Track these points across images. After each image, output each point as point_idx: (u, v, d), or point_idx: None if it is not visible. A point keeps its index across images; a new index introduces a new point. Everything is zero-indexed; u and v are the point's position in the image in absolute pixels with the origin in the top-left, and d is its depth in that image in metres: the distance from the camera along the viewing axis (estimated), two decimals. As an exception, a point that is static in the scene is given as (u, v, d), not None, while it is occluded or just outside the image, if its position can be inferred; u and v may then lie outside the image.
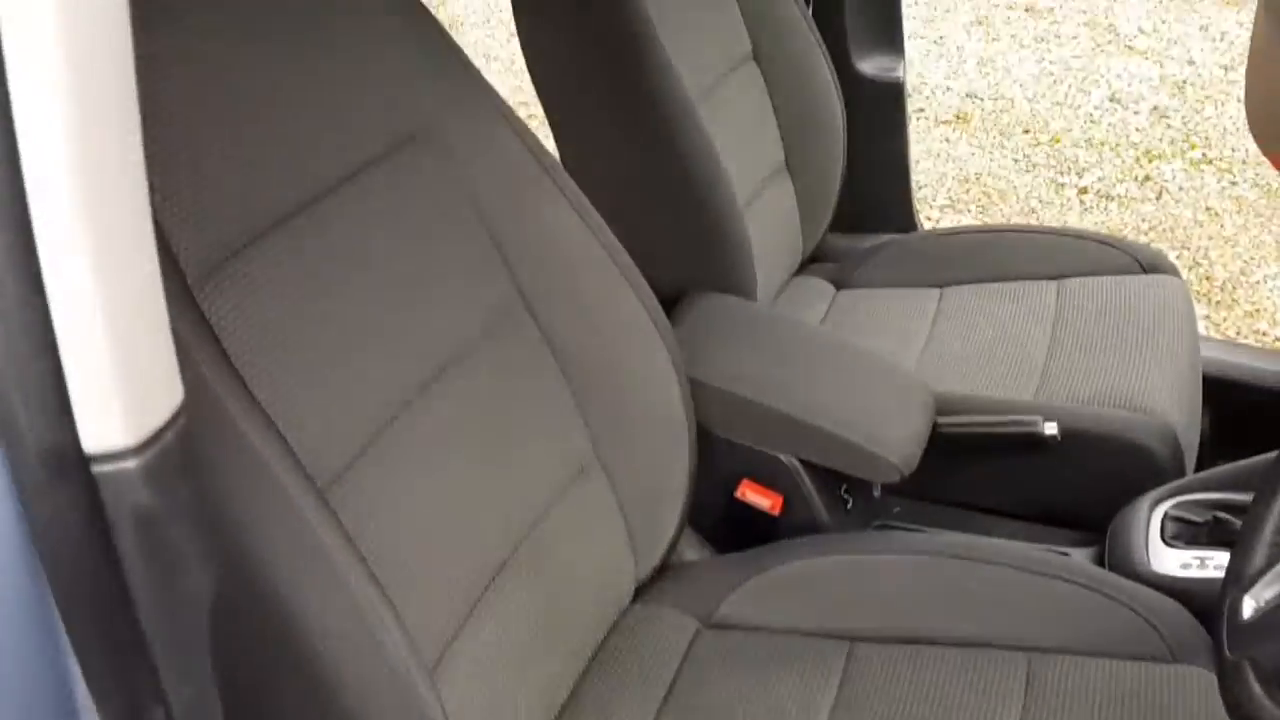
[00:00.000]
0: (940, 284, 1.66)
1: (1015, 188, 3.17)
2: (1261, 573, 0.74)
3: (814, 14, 1.68)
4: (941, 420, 1.29)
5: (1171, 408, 1.31)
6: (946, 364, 1.46)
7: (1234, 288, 2.74)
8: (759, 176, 1.57)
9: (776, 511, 1.21)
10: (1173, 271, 1.59)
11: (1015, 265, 1.64)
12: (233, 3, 0.80)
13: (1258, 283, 2.77)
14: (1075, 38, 4.11)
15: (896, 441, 1.19)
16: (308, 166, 0.83)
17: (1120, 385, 1.34)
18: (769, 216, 1.58)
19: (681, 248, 1.39)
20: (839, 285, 1.71)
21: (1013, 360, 1.44)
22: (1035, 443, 1.26)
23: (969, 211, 3.05)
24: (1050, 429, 1.25)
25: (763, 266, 1.50)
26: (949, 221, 2.98)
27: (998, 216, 3.03)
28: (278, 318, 0.78)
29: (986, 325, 1.53)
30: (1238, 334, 2.58)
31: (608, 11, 1.31)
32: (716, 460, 1.21)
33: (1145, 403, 1.30)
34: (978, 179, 3.21)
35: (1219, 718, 0.94)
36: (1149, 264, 1.59)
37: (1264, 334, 2.59)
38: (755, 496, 1.21)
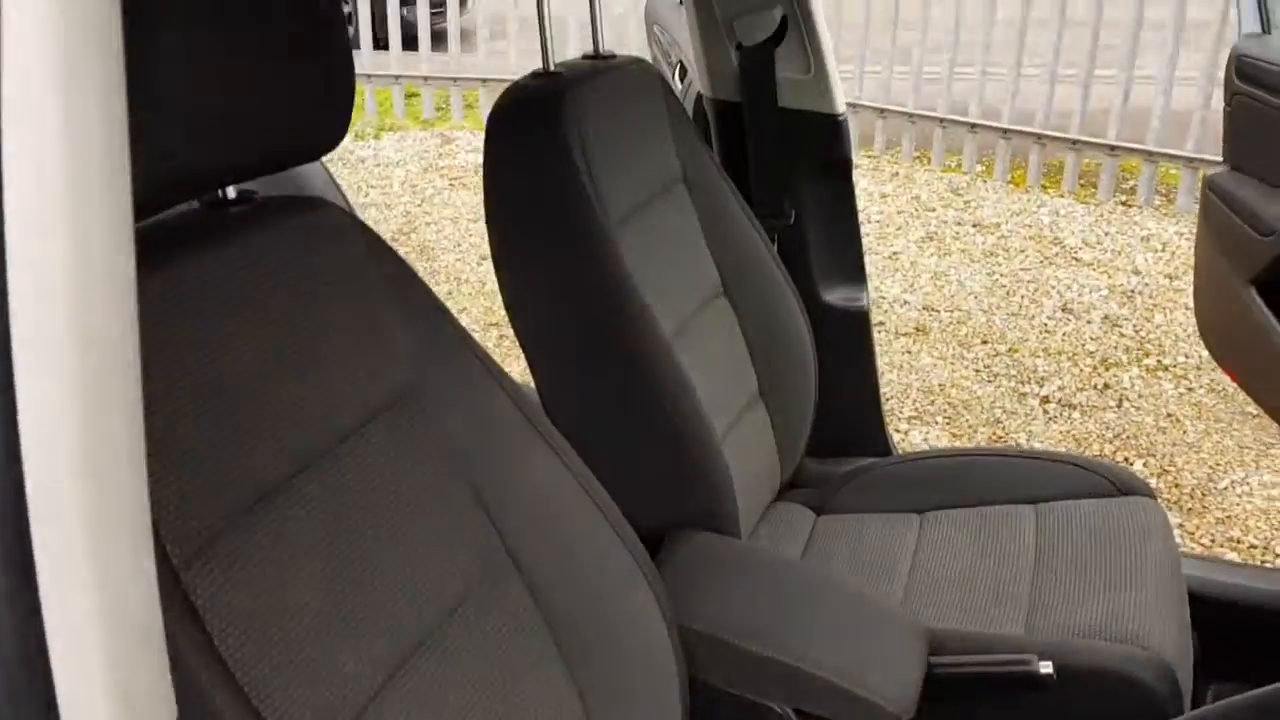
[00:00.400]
0: (920, 509, 1.66)
1: (979, 398, 3.23)
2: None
3: (779, 249, 1.74)
4: (934, 660, 1.26)
5: (1164, 639, 1.29)
6: (934, 596, 1.44)
7: (1203, 494, 2.77)
8: (735, 407, 1.59)
9: (774, 766, 1.16)
10: (1147, 493, 1.61)
11: (992, 490, 1.65)
12: (222, 281, 0.81)
13: (1225, 489, 2.81)
14: (1023, 251, 4.29)
15: (894, 688, 1.16)
16: (294, 437, 0.83)
17: (1110, 617, 1.32)
18: (747, 446, 1.59)
19: (662, 486, 1.39)
20: (819, 511, 1.71)
21: (999, 591, 1.43)
22: (1030, 682, 1.23)
23: (935, 423, 3.10)
24: (1045, 668, 1.23)
25: (743, 496, 1.49)
26: (917, 433, 3.02)
27: (964, 427, 3.07)
28: (263, 595, 0.76)
29: (969, 554, 1.53)
30: (1212, 542, 2.58)
31: (582, 253, 1.35)
32: (709, 712, 1.17)
33: (1137, 635, 1.29)
34: (941, 390, 3.27)
35: None
36: (1124, 486, 1.60)
37: (1238, 541, 2.60)
38: (753, 750, 1.17)
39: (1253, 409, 3.14)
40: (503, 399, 1.04)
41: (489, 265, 1.42)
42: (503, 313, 1.43)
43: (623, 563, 1.09)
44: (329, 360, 0.88)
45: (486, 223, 1.37)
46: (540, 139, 1.32)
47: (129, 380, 0.45)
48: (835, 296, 1.85)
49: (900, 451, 1.97)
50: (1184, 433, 3.06)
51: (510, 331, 1.44)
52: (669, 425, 1.37)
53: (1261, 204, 2.12)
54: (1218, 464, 2.91)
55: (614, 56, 1.52)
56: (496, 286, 1.42)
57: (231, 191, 0.87)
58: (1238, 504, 2.74)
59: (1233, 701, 1.20)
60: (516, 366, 3.03)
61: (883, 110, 5.36)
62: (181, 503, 0.72)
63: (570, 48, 5.74)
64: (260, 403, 0.81)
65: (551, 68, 1.41)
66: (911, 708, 1.16)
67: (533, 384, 1.45)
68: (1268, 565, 2.48)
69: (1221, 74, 3.96)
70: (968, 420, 3.11)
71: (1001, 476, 1.68)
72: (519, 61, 5.91)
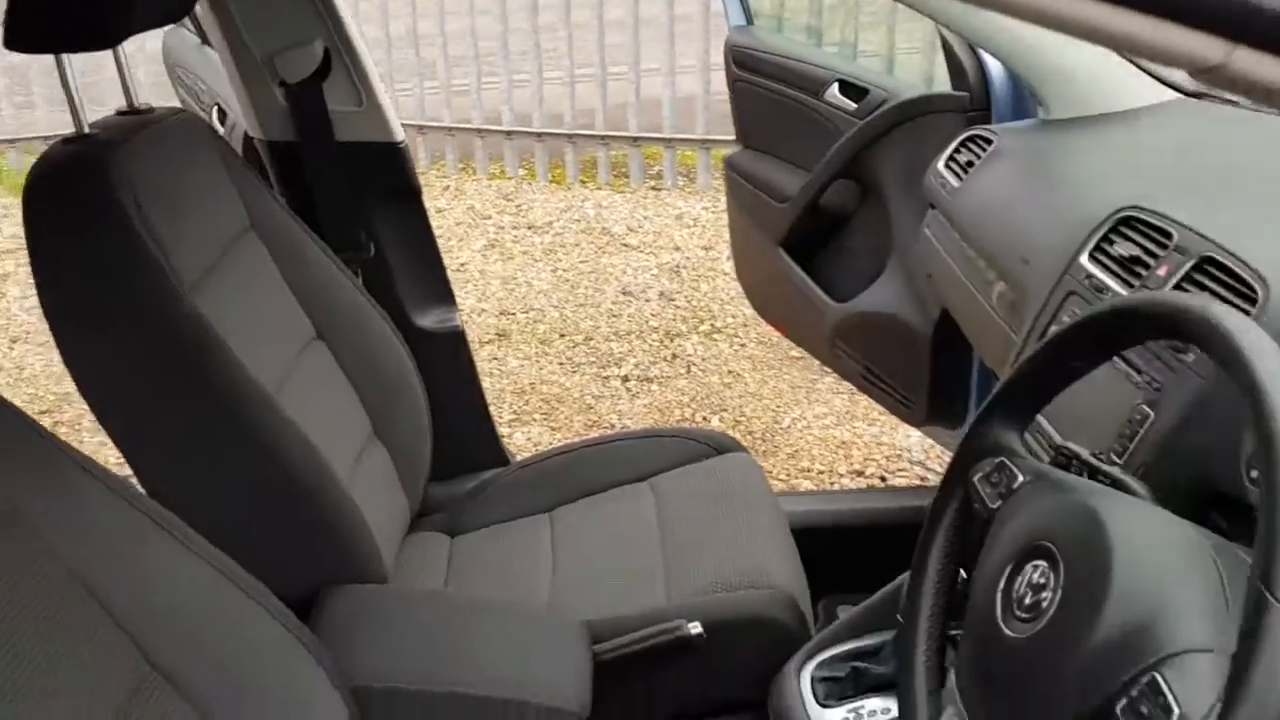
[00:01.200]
0: (548, 508, 1.72)
1: (568, 389, 3.38)
2: (932, 724, 0.83)
3: (364, 283, 1.72)
4: (597, 649, 1.32)
5: (783, 575, 1.45)
6: (579, 589, 1.50)
7: (772, 436, 3.10)
8: (353, 451, 1.55)
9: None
10: (739, 448, 1.78)
11: (608, 474, 1.75)
12: None
13: (788, 427, 3.16)
14: (578, 245, 4.53)
15: (568, 687, 1.21)
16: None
17: (736, 567, 1.45)
18: (372, 487, 1.56)
19: (298, 546, 1.33)
20: (453, 533, 1.72)
21: (636, 568, 1.52)
22: (685, 644, 1.33)
23: (534, 420, 3.20)
24: (695, 629, 1.33)
25: (380, 538, 1.47)
26: (521, 434, 3.10)
27: (561, 420, 3.20)
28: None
29: (601, 540, 1.61)
30: (788, 476, 2.90)
31: (161, 322, 1.25)
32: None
33: (762, 578, 1.43)
34: (533, 388, 3.38)
35: None
36: (719, 446, 1.76)
37: (808, 470, 2.94)
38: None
39: (796, 353, 3.56)
40: (110, 498, 0.95)
41: (25, 348, 1.27)
42: (53, 398, 1.29)
43: (277, 638, 1.03)
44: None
45: (42, 306, 1.23)
46: (90, 209, 1.21)
47: None
48: (429, 320, 1.86)
49: (516, 457, 2.03)
50: (746, 385, 3.40)
51: (66, 418, 1.31)
52: (292, 483, 1.31)
53: (775, 176, 2.41)
54: (778, 407, 3.26)
55: (152, 109, 1.42)
56: (36, 371, 1.28)
57: None
58: (801, 438, 3.10)
59: (850, 615, 1.37)
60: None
61: (421, 127, 5.41)
62: None
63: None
64: None
65: (85, 129, 1.29)
66: (588, 702, 1.21)
67: (125, 468, 1.33)
68: (839, 488, 2.83)
69: (713, 60, 4.39)
70: (563, 412, 3.24)
71: (613, 460, 1.78)
72: (50, 116, 5.30)
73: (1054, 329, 1.23)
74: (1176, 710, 0.63)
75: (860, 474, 2.93)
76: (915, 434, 3.03)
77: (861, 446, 3.04)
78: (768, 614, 1.38)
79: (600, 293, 4.07)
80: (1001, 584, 0.80)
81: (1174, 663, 0.66)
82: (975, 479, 0.91)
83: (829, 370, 3.38)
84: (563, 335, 3.74)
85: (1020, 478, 0.87)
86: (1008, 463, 0.89)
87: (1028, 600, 0.77)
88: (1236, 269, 1.00)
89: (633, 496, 1.70)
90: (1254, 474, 0.91)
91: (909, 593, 0.95)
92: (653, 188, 5.17)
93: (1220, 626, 0.67)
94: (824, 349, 2.36)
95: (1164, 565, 0.72)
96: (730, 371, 3.50)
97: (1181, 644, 0.67)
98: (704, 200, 4.94)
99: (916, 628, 0.93)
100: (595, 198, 5.08)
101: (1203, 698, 0.64)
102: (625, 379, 3.45)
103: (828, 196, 2.25)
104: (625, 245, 4.51)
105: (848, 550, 1.80)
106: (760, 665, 1.36)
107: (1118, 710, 0.67)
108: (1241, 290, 0.98)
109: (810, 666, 1.33)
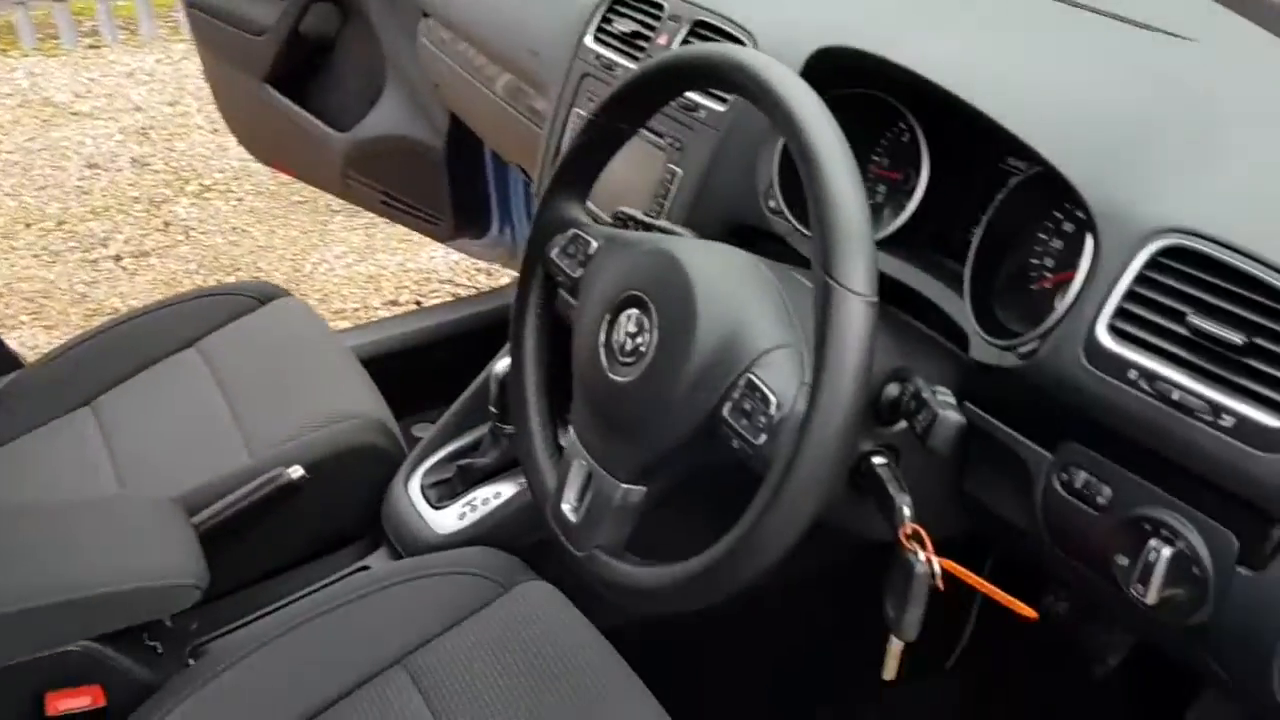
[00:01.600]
0: (85, 401, 1.56)
1: (52, 282, 3.01)
2: (561, 485, 0.91)
3: None
4: (197, 520, 1.25)
5: (366, 403, 1.45)
6: (150, 473, 1.39)
7: (297, 284, 3.01)
8: None
9: (102, 702, 1.08)
10: (284, 293, 1.72)
11: (146, 351, 1.61)
12: None
13: (311, 273, 3.08)
14: (18, 122, 3.94)
15: (178, 562, 1.14)
16: None
17: (315, 407, 1.42)
18: None
19: None
20: (-26, 452, 1.51)
21: (208, 435, 1.44)
22: (292, 490, 1.30)
23: (22, 323, 2.83)
24: (296, 472, 1.30)
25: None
26: (12, 341, 2.72)
27: (54, 315, 2.86)
28: None
29: (159, 417, 1.50)
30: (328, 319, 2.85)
31: None
32: (22, 695, 1.04)
33: (344, 410, 1.42)
34: (10, 289, 2.97)
35: (565, 607, 1.13)
36: (263, 296, 1.69)
37: (343, 310, 2.91)
38: (69, 702, 1.07)
39: (299, 197, 3.43)
40: None
41: None
42: None
43: None
44: None
45: None
46: None
47: None
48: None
49: (28, 360, 1.80)
50: (254, 239, 3.24)
51: None
52: None
53: (244, 7, 2.24)
54: (295, 255, 3.16)
55: None
56: None
57: None
58: (327, 281, 3.04)
59: (443, 420, 1.42)
60: None
61: None
62: None
63: None
64: None
65: None
66: (202, 572, 1.16)
67: None
68: (382, 317, 2.82)
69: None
70: (54, 308, 2.90)
71: (148, 334, 1.64)
72: None
73: (576, 110, 1.31)
74: (773, 398, 0.75)
75: (395, 303, 2.96)
76: (439, 253, 3.10)
77: (389, 277, 3.05)
78: (363, 441, 1.39)
79: (61, 170, 3.60)
80: (602, 338, 0.87)
81: (762, 361, 0.77)
82: (553, 254, 0.97)
83: (339, 208, 3.32)
84: (29, 225, 3.29)
85: (594, 244, 0.94)
86: (580, 233, 0.95)
87: (628, 346, 0.85)
88: (725, 27, 1.12)
89: (181, 365, 1.59)
90: (772, 204, 1.06)
91: (512, 373, 1.00)
92: (91, 46, 4.58)
93: (790, 327, 0.80)
94: (337, 183, 2.30)
95: (736, 287, 0.83)
96: (234, 229, 3.30)
97: (763, 345, 0.78)
98: (154, 52, 4.48)
99: (526, 403, 0.99)
100: (24, 65, 4.41)
101: (791, 383, 0.76)
102: (118, 258, 3.14)
103: (307, 22, 2.14)
104: (76, 114, 4.00)
105: (410, 372, 1.83)
106: (369, 491, 1.37)
107: (725, 413, 0.78)
108: (733, 46, 1.10)
109: (417, 476, 1.37)
